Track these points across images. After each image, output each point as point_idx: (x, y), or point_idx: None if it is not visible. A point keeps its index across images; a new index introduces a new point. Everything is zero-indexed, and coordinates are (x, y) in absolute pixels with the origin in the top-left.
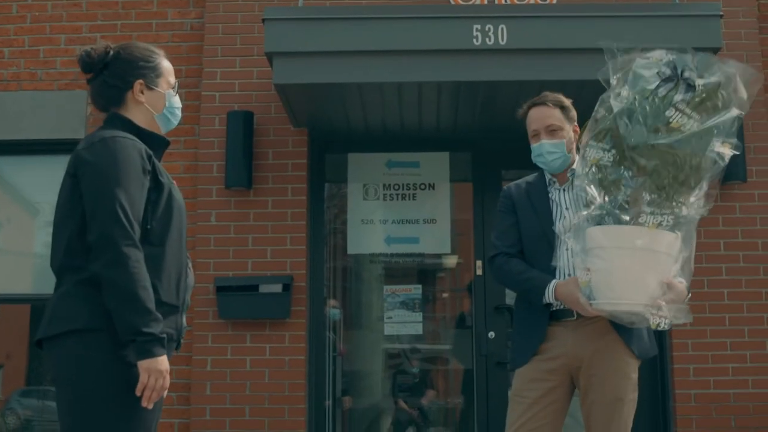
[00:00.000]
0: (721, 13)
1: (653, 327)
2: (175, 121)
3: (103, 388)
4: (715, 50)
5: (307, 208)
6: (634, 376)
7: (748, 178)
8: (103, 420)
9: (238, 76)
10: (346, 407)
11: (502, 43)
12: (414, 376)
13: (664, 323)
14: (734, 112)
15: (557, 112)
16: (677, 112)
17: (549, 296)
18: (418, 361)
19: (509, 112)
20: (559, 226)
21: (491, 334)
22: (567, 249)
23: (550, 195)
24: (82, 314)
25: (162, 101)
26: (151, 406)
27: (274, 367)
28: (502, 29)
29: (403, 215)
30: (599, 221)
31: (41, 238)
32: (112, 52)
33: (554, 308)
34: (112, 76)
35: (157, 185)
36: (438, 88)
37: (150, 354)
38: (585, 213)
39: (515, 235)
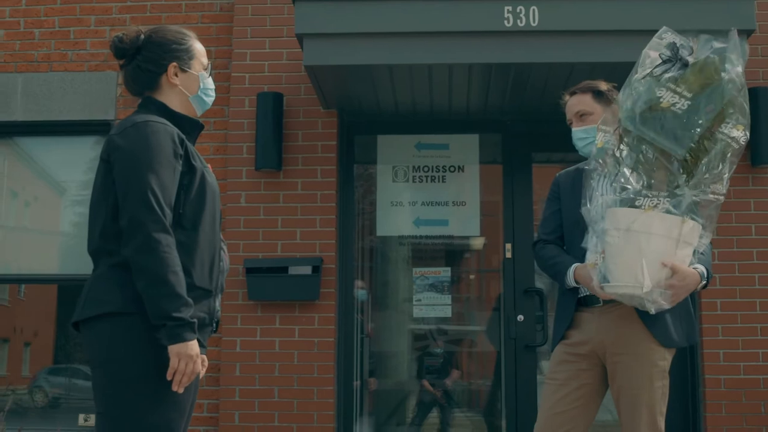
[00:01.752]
0: None
1: (651, 311)
2: (210, 102)
3: (136, 370)
4: (749, 32)
5: (336, 190)
6: (662, 363)
7: None
8: (137, 402)
9: (268, 57)
10: (372, 388)
11: (533, 24)
12: (440, 357)
13: (652, 307)
14: (728, 90)
15: (587, 98)
16: (668, 92)
17: (569, 279)
18: (444, 343)
19: (539, 93)
20: (585, 209)
21: (520, 318)
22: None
23: (591, 180)
24: (116, 297)
25: (196, 83)
26: (181, 390)
27: (303, 348)
28: (534, 11)
29: (433, 197)
30: (617, 204)
31: (69, 219)
32: (143, 36)
33: (581, 294)
34: (146, 60)
35: (189, 169)
36: (469, 70)
37: (180, 338)
38: (604, 196)
39: (555, 222)
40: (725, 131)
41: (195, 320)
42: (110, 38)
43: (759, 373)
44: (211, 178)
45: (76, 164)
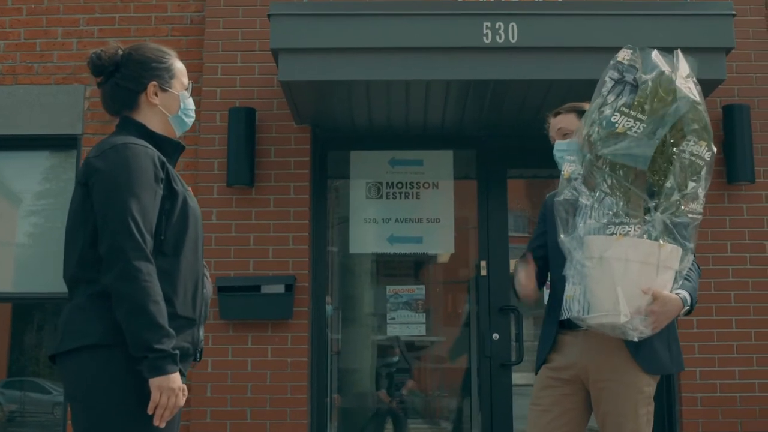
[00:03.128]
0: (734, 12)
1: (634, 339)
2: (189, 123)
3: (117, 405)
4: (728, 50)
5: (309, 207)
6: (647, 389)
7: (756, 179)
8: None
9: (240, 71)
10: (337, 405)
11: (512, 41)
12: (395, 366)
13: (634, 335)
14: (682, 106)
15: (571, 117)
16: (622, 116)
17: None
18: (417, 360)
19: (516, 110)
20: (561, 240)
21: (495, 336)
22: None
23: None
24: (96, 329)
25: (176, 103)
26: (163, 425)
27: (276, 368)
28: (513, 27)
29: (407, 214)
30: (591, 231)
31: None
32: (123, 54)
33: (563, 317)
34: (125, 78)
35: (171, 193)
36: (447, 87)
37: (162, 371)
38: (579, 225)
39: (538, 243)
40: (687, 149)
41: (177, 352)
42: (77, 50)
43: (735, 391)
44: (193, 202)
45: (41, 179)
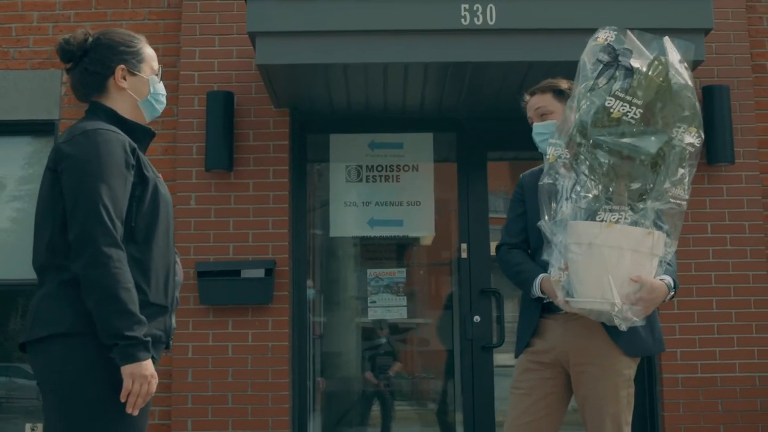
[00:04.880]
0: None
1: (622, 328)
2: (160, 108)
3: (89, 393)
4: (707, 31)
5: (289, 191)
6: (627, 372)
7: (735, 160)
8: (94, 426)
9: (218, 55)
10: (321, 388)
11: (490, 23)
12: (382, 348)
13: (623, 324)
14: (673, 92)
15: (548, 97)
16: (617, 101)
17: (536, 290)
18: (390, 336)
19: (496, 92)
20: (542, 223)
21: (477, 318)
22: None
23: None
24: (66, 317)
25: (146, 87)
26: (136, 413)
27: (257, 353)
28: (491, 9)
29: (387, 197)
30: (577, 216)
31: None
32: (91, 39)
33: (546, 301)
34: (93, 62)
35: (141, 180)
36: (425, 69)
37: (133, 358)
38: (563, 209)
39: (519, 225)
40: (679, 136)
41: (149, 339)
42: (53, 35)
43: (716, 372)
44: (164, 189)
45: (19, 165)
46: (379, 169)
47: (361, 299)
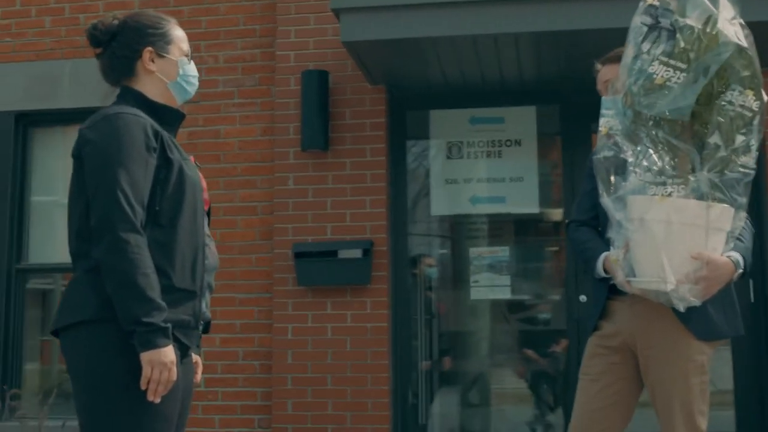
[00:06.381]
0: None
1: (680, 308)
2: (192, 91)
3: (113, 380)
4: None
5: (386, 169)
6: (700, 358)
7: None
8: (117, 414)
9: (313, 33)
10: (446, 367)
11: None
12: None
13: (680, 305)
14: (725, 52)
15: (617, 67)
16: (660, 66)
17: (599, 269)
18: (512, 323)
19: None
20: (603, 200)
21: (582, 298)
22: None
23: (606, 169)
24: (91, 304)
25: (175, 69)
26: (158, 400)
27: (356, 334)
28: None
29: (489, 174)
30: (637, 190)
31: None
32: (118, 23)
33: (612, 281)
34: (120, 46)
35: (165, 162)
36: (515, 40)
37: (152, 345)
38: (624, 183)
39: (590, 202)
40: (731, 99)
41: (168, 325)
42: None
43: None
44: (191, 171)
45: None
46: (481, 144)
47: (464, 279)
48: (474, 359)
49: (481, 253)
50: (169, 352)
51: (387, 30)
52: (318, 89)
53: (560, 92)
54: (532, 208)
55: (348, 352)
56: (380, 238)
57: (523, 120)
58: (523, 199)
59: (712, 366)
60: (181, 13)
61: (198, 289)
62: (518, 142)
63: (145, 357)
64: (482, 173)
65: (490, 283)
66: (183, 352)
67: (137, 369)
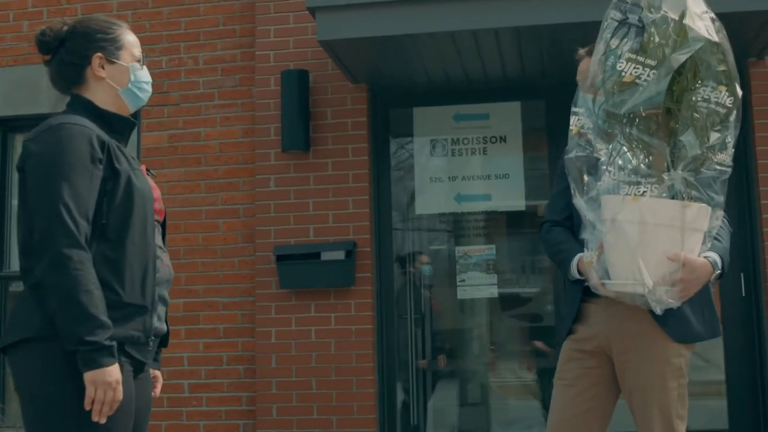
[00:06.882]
0: None
1: (657, 311)
2: (144, 98)
3: (57, 400)
4: None
5: (369, 169)
6: (677, 360)
7: None
8: None
9: (293, 32)
10: (439, 367)
11: None
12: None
13: (657, 307)
14: (695, 48)
15: None
16: (629, 63)
17: (573, 271)
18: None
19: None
20: (576, 201)
21: None
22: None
23: (578, 168)
24: (35, 321)
25: (126, 75)
26: (103, 420)
27: (341, 337)
28: None
29: (474, 171)
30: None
31: None
32: (67, 28)
33: (586, 284)
34: (69, 52)
35: (113, 174)
36: (495, 35)
37: (95, 364)
38: (598, 183)
39: (564, 201)
40: (705, 96)
41: (113, 343)
42: (132, 21)
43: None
44: (141, 181)
45: None
46: (465, 142)
47: (450, 278)
48: (464, 358)
49: (466, 251)
50: (113, 371)
51: (363, 28)
52: (298, 89)
53: (545, 87)
54: (519, 205)
55: (332, 355)
56: (364, 239)
57: (508, 116)
58: (509, 197)
59: (706, 356)
60: (160, 14)
61: (149, 303)
62: (503, 139)
63: (89, 377)
64: (468, 171)
65: (476, 282)
66: (137, 367)
67: (81, 388)
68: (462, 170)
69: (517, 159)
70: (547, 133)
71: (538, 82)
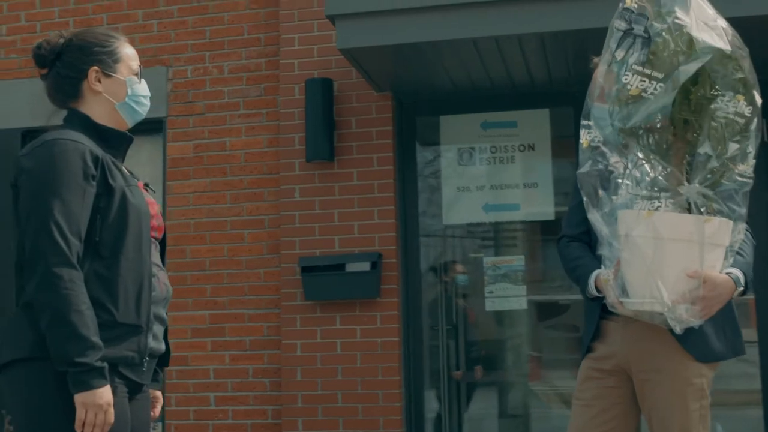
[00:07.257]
0: None
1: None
2: (143, 112)
3: (48, 421)
4: None
5: (395, 178)
6: (699, 381)
7: None
8: None
9: (317, 40)
10: (478, 377)
11: None
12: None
13: (677, 326)
14: (704, 58)
15: None
16: (634, 76)
17: (591, 288)
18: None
19: None
20: (591, 216)
21: None
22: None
23: (592, 182)
24: (27, 341)
25: (123, 89)
26: None
27: (366, 349)
28: None
29: (502, 180)
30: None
31: None
32: (64, 41)
33: (605, 301)
34: (65, 66)
35: (107, 190)
36: (518, 42)
37: (86, 386)
38: (614, 198)
39: (581, 215)
40: (723, 106)
41: (104, 365)
42: (158, 31)
43: None
44: (136, 198)
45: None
46: (493, 150)
47: (478, 290)
48: (501, 368)
49: (495, 262)
50: (104, 393)
51: (383, 35)
52: (322, 98)
53: (573, 93)
54: (548, 214)
55: (358, 368)
56: (389, 250)
57: (536, 123)
58: (537, 206)
59: (739, 366)
60: (185, 24)
61: (144, 323)
62: (532, 147)
63: (79, 399)
64: (496, 179)
65: (504, 294)
66: (132, 388)
67: (74, 409)
68: (490, 179)
69: (546, 167)
70: (576, 141)
71: (566, 88)
